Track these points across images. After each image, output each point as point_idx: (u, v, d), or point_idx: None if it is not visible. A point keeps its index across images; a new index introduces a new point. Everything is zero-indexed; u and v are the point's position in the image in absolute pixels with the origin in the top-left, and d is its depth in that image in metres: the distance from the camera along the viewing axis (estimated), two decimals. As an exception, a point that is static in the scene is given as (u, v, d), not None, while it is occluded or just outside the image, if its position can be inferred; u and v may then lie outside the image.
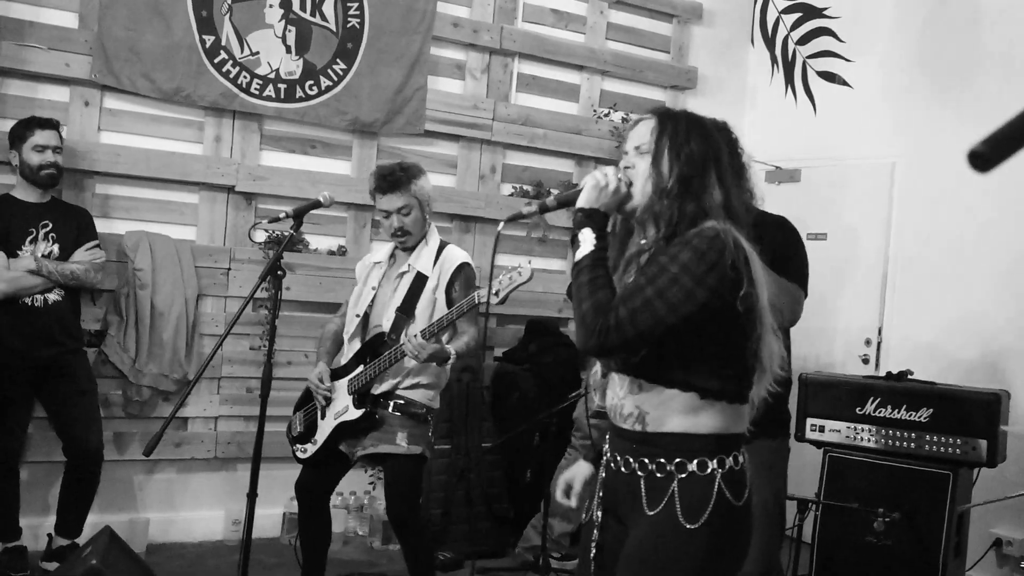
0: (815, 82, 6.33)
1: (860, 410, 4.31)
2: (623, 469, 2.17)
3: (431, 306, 3.88)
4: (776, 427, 3.43)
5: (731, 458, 2.08)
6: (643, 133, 2.20)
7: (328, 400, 3.92)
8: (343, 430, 3.86)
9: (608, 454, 2.26)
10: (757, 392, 2.15)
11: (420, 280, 3.91)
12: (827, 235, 5.90)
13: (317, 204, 3.68)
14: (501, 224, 2.29)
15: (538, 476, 5.20)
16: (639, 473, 2.13)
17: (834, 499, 4.24)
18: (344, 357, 4.01)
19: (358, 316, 3.98)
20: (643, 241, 2.19)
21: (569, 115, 6.18)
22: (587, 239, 2.12)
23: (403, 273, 3.94)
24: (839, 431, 4.34)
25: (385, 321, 3.89)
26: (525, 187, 6.03)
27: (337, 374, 3.96)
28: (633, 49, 6.42)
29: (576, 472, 2.51)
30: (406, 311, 3.87)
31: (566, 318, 6.12)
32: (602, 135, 6.21)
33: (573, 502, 2.49)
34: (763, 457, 2.93)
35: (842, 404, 4.34)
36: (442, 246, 4.01)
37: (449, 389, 5.40)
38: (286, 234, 3.62)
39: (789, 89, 6.50)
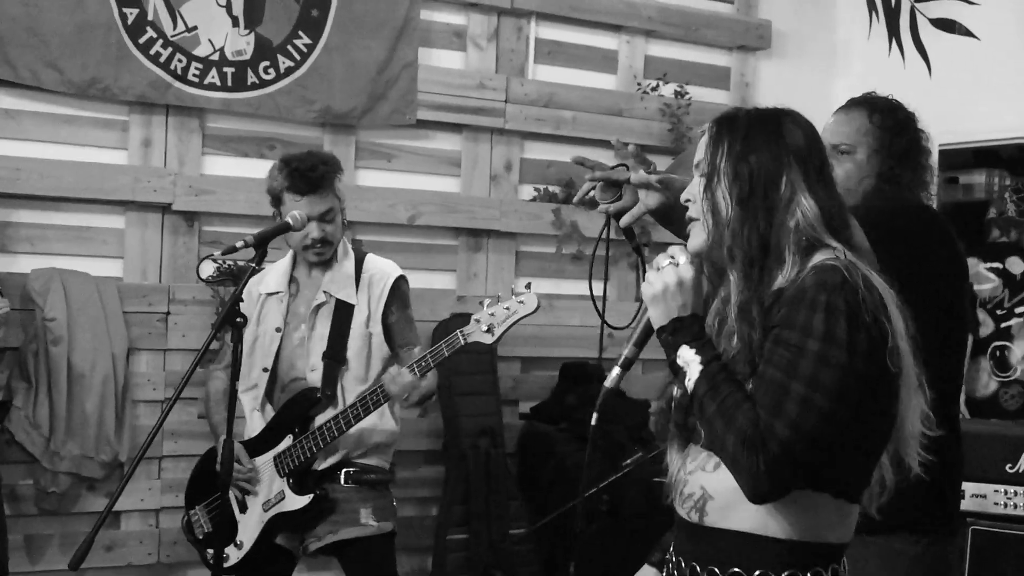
0: (928, 33, 6.33)
1: (1011, 468, 4.29)
2: (676, 573, 2.19)
3: (366, 345, 3.91)
4: (928, 517, 3.06)
5: (829, 572, 2.06)
6: (701, 147, 2.21)
7: (251, 484, 3.91)
8: (279, 523, 3.87)
9: (672, 554, 2.26)
10: (889, 475, 2.11)
11: (344, 311, 3.92)
12: (947, 235, 5.89)
13: (287, 227, 3.70)
14: (594, 418, 2.38)
15: (585, 570, 5.19)
16: None
17: (984, 588, 4.23)
18: (250, 425, 4.01)
19: (265, 371, 3.96)
20: (723, 294, 2.17)
21: (605, 91, 6.20)
22: (689, 360, 2.07)
23: (320, 306, 3.94)
24: (985, 496, 4.32)
25: (309, 372, 3.90)
26: (551, 188, 6.05)
27: (252, 447, 3.95)
28: (686, 1, 6.43)
29: None
30: (336, 356, 3.87)
31: (612, 359, 6.09)
32: (650, 115, 6.22)
33: None
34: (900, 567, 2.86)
35: (988, 461, 4.33)
36: (359, 258, 4.03)
37: (463, 460, 5.40)
38: (244, 265, 3.64)
39: (894, 44, 6.50)
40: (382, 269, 4.03)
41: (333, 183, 3.95)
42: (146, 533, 5.21)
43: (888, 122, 3.28)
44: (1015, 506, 4.27)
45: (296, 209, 3.84)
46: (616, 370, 2.27)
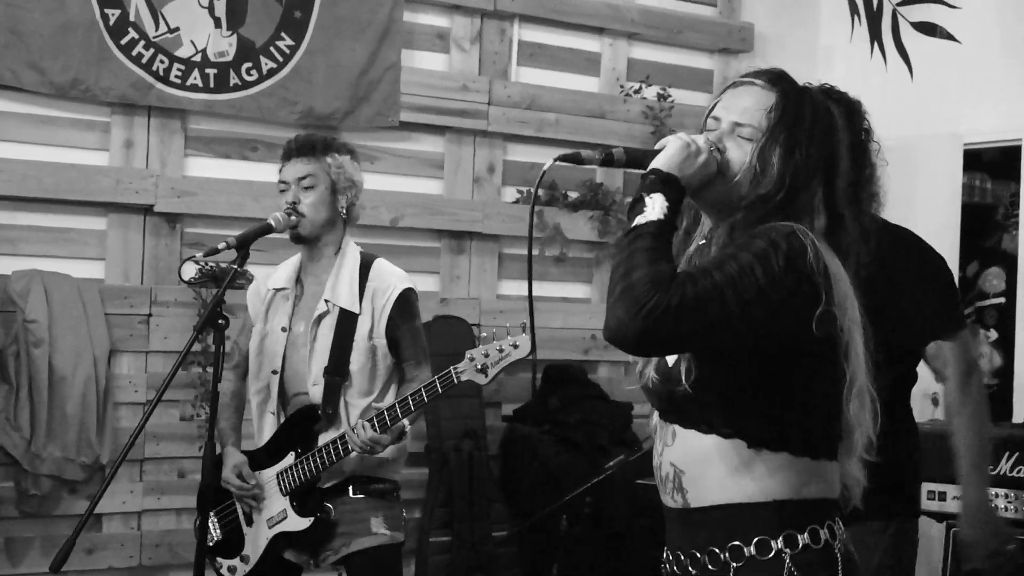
0: (910, 36, 6.34)
1: (993, 470, 4.29)
2: (676, 569, 2.18)
3: (370, 358, 3.81)
4: (896, 502, 3.31)
5: (807, 533, 2.07)
6: (749, 107, 2.19)
7: (256, 499, 3.86)
8: (282, 541, 3.82)
9: (664, 552, 2.25)
10: (847, 468, 2.15)
11: (348, 321, 3.81)
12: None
13: (268, 229, 3.69)
14: (548, 163, 2.19)
15: (568, 572, 5.19)
16: (691, 570, 2.13)
17: (965, 589, 4.23)
18: (259, 431, 3.95)
19: (275, 373, 3.89)
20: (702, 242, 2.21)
21: (588, 93, 6.22)
22: (656, 204, 2.05)
23: (322, 316, 3.83)
24: (967, 498, 4.32)
25: (311, 387, 3.81)
26: (533, 190, 6.03)
27: (257, 459, 3.89)
28: (669, 3, 6.47)
29: None
30: (337, 371, 3.79)
31: (595, 361, 6.12)
32: (632, 118, 6.24)
33: None
34: (875, 548, 2.88)
35: (969, 463, 4.33)
36: (365, 263, 3.91)
37: (446, 462, 5.40)
38: (226, 267, 3.62)
39: (875, 47, 6.52)
40: (387, 279, 3.88)
41: (322, 155, 3.85)
42: (128, 536, 5.20)
43: (848, 117, 3.28)
44: (996, 508, 4.27)
45: (282, 174, 3.85)
46: (597, 154, 2.22)
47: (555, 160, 2.18)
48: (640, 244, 1.99)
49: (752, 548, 2.05)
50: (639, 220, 2.04)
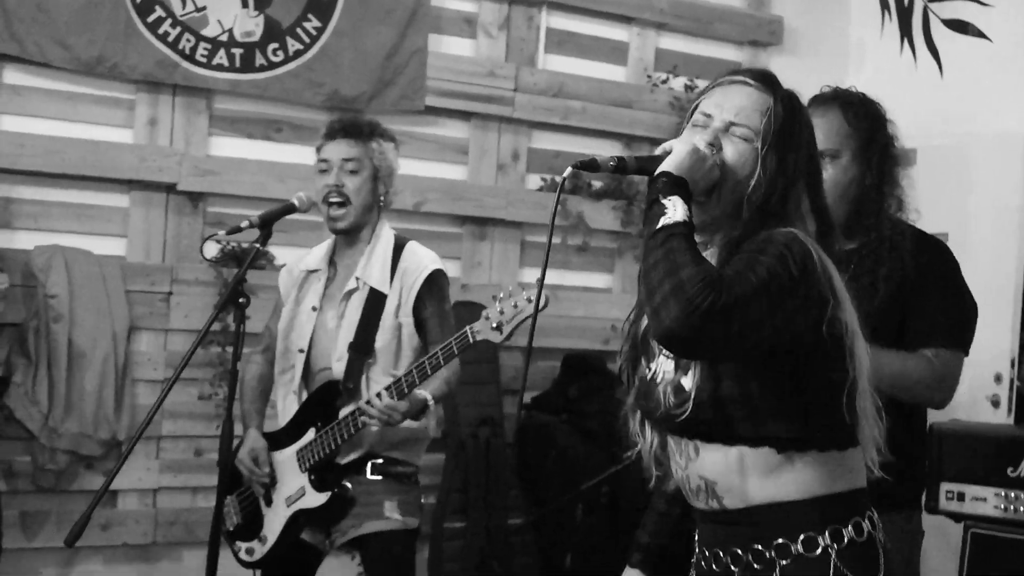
0: (941, 34, 6.32)
1: (1013, 471, 4.29)
2: (715, 567, 2.18)
3: (395, 336, 3.81)
4: (904, 496, 3.36)
5: (851, 527, 2.08)
6: (746, 107, 2.18)
7: (272, 482, 3.88)
8: (302, 519, 3.82)
9: (697, 547, 2.26)
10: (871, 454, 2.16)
11: (376, 300, 3.81)
12: (948, 235, 5.84)
13: (291, 208, 3.69)
14: (568, 170, 2.16)
15: (581, 562, 5.20)
16: (733, 568, 2.13)
17: (981, 590, 4.22)
18: (281, 412, 3.96)
19: (302, 351, 3.89)
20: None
21: (615, 83, 6.20)
22: (678, 206, 2.03)
23: (351, 292, 3.84)
24: (985, 499, 4.31)
25: (335, 362, 3.81)
26: (558, 178, 6.04)
27: (278, 440, 3.89)
28: (698, -6, 6.45)
29: None
30: (362, 348, 3.78)
31: (615, 351, 6.09)
32: (659, 108, 6.22)
33: None
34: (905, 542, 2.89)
35: (988, 464, 4.32)
36: (398, 245, 3.91)
37: (463, 448, 5.41)
38: (248, 247, 3.63)
39: (906, 44, 6.49)
40: (419, 259, 3.88)
41: (368, 139, 3.84)
42: (143, 513, 5.23)
43: (864, 121, 3.23)
44: (1015, 510, 4.26)
45: (324, 152, 3.82)
46: (609, 160, 2.19)
47: (573, 167, 2.16)
48: (676, 244, 1.97)
49: (799, 545, 2.06)
50: (665, 221, 2.01)
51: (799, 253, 1.99)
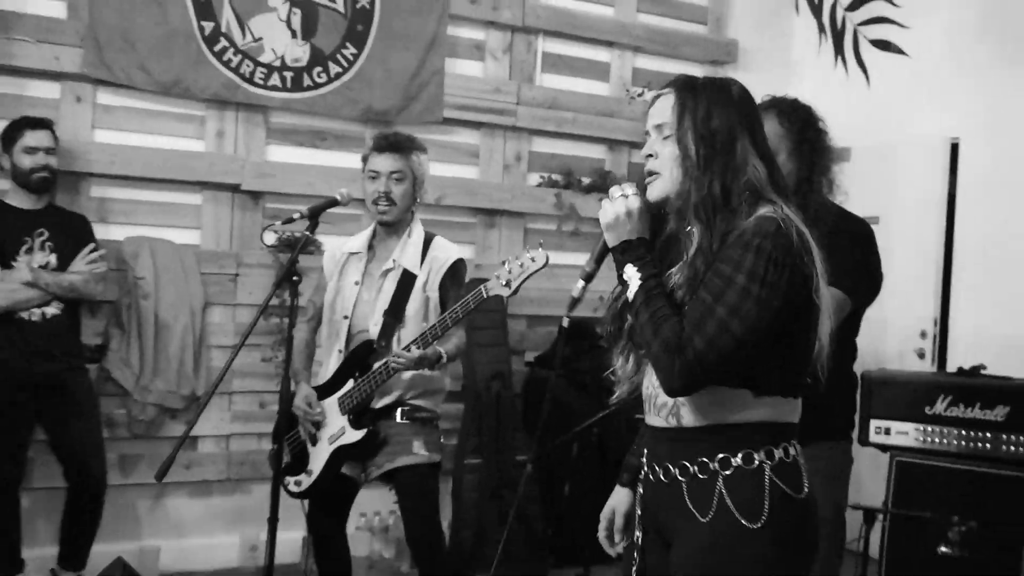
0: (868, 51, 6.30)
1: (930, 410, 4.29)
2: (663, 479, 2.14)
3: (423, 307, 3.87)
4: (837, 429, 3.39)
5: (780, 449, 2.06)
6: (664, 110, 2.15)
7: (318, 425, 3.90)
8: (342, 454, 3.84)
9: (646, 465, 2.23)
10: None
11: (408, 278, 3.87)
12: (879, 218, 5.86)
13: (334, 202, 3.71)
14: (565, 320, 2.32)
15: (577, 491, 5.20)
16: (680, 479, 2.10)
17: (904, 508, 4.23)
18: (326, 369, 3.98)
19: (346, 318, 3.93)
20: (689, 228, 2.13)
21: (599, 96, 6.19)
22: (631, 275, 2.09)
23: (388, 271, 3.90)
24: (907, 433, 4.32)
25: (372, 326, 3.85)
26: (554, 176, 6.04)
27: (323, 391, 3.92)
28: (667, 22, 6.42)
29: (614, 505, 2.48)
30: (395, 314, 3.84)
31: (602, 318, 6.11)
32: (636, 117, 6.20)
33: (619, 546, 2.45)
34: (821, 463, 2.90)
35: (909, 404, 4.32)
36: (428, 238, 3.98)
37: (478, 399, 5.43)
38: (299, 235, 3.65)
39: (839, 60, 6.48)
40: (445, 250, 3.96)
41: (409, 153, 3.90)
42: (218, 455, 5.27)
43: (796, 124, 3.21)
44: (931, 441, 4.27)
45: (373, 164, 3.87)
46: (580, 283, 2.27)
47: (565, 322, 2.38)
48: (641, 319, 2.04)
49: (739, 459, 2.04)
50: (630, 296, 2.08)
51: (779, 249, 1.96)
